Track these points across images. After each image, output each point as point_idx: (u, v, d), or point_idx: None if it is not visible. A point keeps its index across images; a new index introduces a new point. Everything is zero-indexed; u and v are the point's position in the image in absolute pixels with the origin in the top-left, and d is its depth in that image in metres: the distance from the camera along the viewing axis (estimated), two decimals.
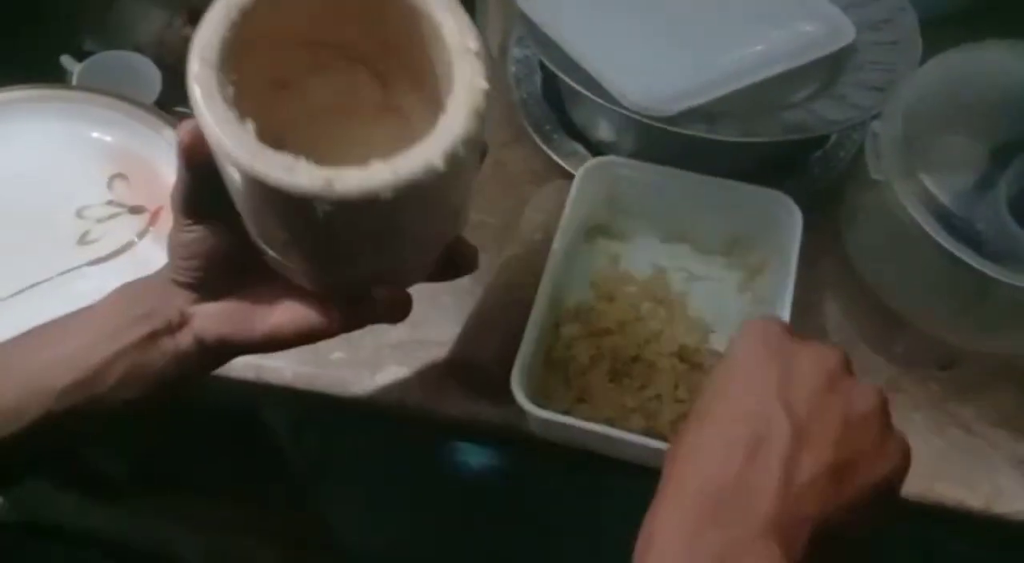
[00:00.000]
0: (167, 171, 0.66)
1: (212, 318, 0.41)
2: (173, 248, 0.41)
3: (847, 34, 0.60)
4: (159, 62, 0.84)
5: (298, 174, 0.31)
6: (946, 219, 0.46)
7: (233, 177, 0.33)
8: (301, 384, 0.59)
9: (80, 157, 0.66)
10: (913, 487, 0.55)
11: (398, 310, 0.42)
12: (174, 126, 0.66)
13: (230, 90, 0.33)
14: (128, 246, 0.63)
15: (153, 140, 0.67)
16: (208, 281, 0.41)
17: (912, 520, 0.58)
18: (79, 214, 0.64)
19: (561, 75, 0.56)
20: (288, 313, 0.41)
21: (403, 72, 0.40)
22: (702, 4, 0.61)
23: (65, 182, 0.65)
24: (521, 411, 0.51)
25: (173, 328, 0.41)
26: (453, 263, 0.43)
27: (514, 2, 0.60)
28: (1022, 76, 0.51)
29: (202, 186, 0.37)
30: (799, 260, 0.54)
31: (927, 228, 0.46)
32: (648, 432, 0.54)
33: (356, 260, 0.39)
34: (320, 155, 0.32)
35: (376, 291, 0.41)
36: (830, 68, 0.60)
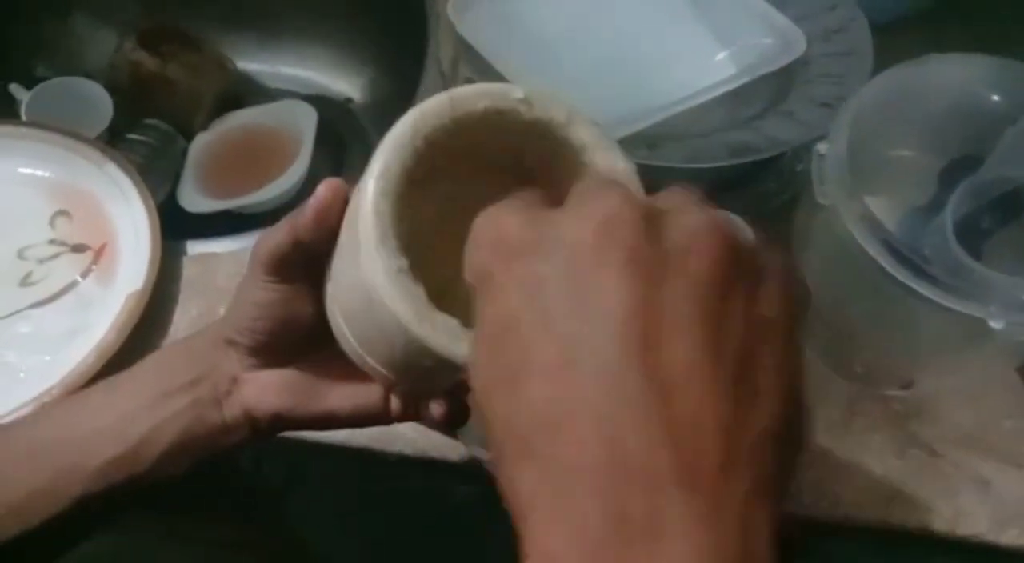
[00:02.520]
0: (110, 206, 0.65)
1: (269, 390, 0.37)
2: (243, 306, 0.37)
3: (798, 47, 0.58)
4: (111, 86, 0.83)
5: (461, 344, 0.29)
6: (892, 244, 0.44)
7: (379, 317, 0.31)
8: None
9: (22, 195, 0.65)
10: (875, 510, 0.54)
11: (459, 419, 0.37)
12: (116, 161, 0.65)
13: (402, 230, 0.30)
14: (71, 286, 0.62)
15: (95, 175, 0.65)
16: (271, 347, 0.37)
17: (873, 543, 0.57)
18: (20, 254, 0.63)
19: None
20: (349, 396, 0.38)
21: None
22: (644, 26, 0.59)
23: (6, 221, 0.64)
24: None
25: (220, 396, 0.38)
26: None
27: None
28: (971, 89, 0.49)
29: (307, 248, 0.34)
30: None
31: (872, 253, 0.45)
32: None
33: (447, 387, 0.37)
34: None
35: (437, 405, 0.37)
36: (780, 82, 0.58)
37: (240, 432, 0.38)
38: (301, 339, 0.37)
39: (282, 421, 0.38)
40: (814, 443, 0.56)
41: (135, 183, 0.64)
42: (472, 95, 0.32)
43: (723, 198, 0.57)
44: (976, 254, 0.49)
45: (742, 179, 0.62)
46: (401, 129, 0.31)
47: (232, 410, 0.38)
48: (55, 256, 0.63)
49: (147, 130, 0.81)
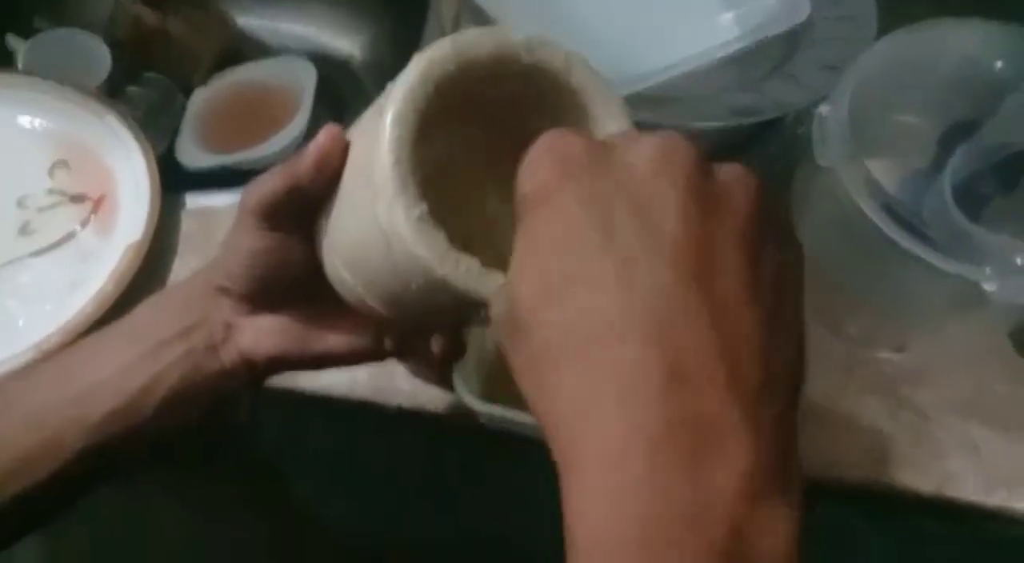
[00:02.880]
0: (109, 158, 0.64)
1: (265, 334, 0.38)
2: (234, 253, 0.37)
3: (802, 10, 0.58)
4: (110, 40, 0.82)
5: (485, 281, 0.30)
6: (892, 206, 0.44)
7: (397, 261, 0.31)
8: None
9: (21, 145, 0.65)
10: (866, 471, 0.55)
11: (457, 353, 0.39)
12: (117, 111, 0.65)
13: (417, 177, 0.31)
14: (70, 236, 0.62)
15: (95, 126, 0.65)
16: (262, 293, 0.37)
17: (862, 506, 0.58)
18: (20, 203, 0.63)
19: None
20: (343, 337, 0.38)
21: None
22: None
23: (5, 171, 0.64)
24: None
25: (216, 343, 0.38)
26: None
27: None
28: (974, 55, 0.49)
29: (303, 195, 0.34)
30: None
31: (871, 216, 0.45)
32: None
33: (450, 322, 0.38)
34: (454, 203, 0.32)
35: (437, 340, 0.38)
36: (785, 46, 0.58)
37: (239, 377, 0.38)
38: (291, 284, 0.37)
39: (279, 363, 0.38)
40: (808, 402, 0.57)
41: (135, 135, 0.64)
42: (475, 41, 0.32)
43: (728, 160, 0.57)
44: (975, 219, 0.49)
45: (745, 143, 0.62)
46: (412, 75, 0.31)
47: (229, 355, 0.38)
48: (54, 206, 0.63)
49: (147, 83, 0.81)
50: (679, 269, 0.23)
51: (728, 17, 0.58)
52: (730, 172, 0.25)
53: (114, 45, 0.80)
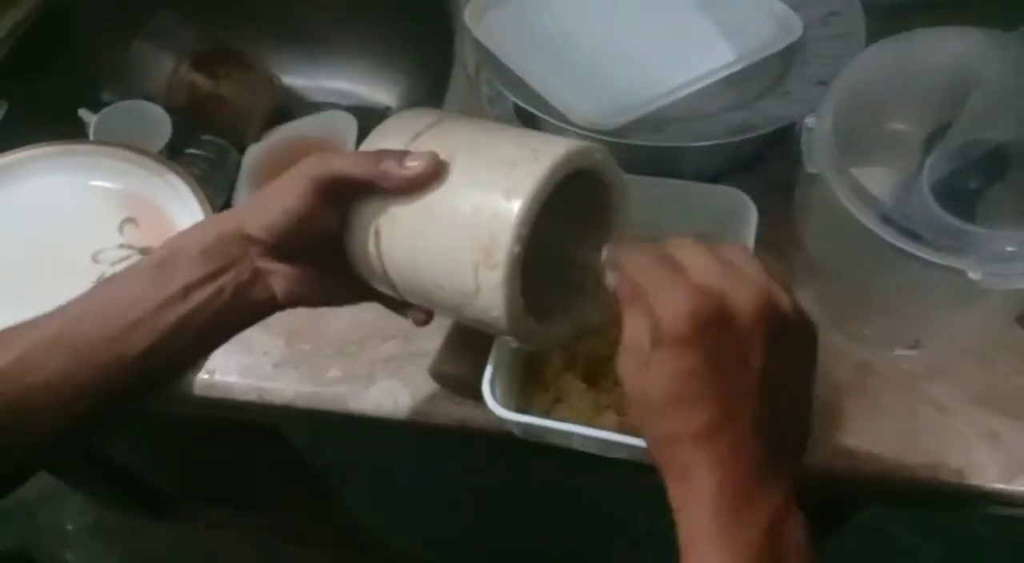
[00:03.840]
0: (173, 213, 0.71)
1: (287, 279, 0.45)
2: (272, 209, 0.43)
3: (795, 31, 0.62)
4: (169, 107, 0.90)
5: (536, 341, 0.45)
6: (879, 207, 0.47)
7: (472, 307, 0.42)
8: (301, 403, 0.64)
9: (93, 205, 0.72)
10: (884, 463, 0.57)
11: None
12: (177, 171, 0.72)
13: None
14: None
15: (159, 185, 0.72)
16: (289, 247, 0.44)
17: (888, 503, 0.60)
18: (95, 258, 0.70)
19: (513, 97, 0.59)
20: (345, 287, 0.47)
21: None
22: (650, 17, 0.63)
23: (81, 230, 0.71)
24: None
25: (244, 284, 0.44)
26: None
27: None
28: (951, 62, 0.52)
29: (370, 189, 0.42)
30: (767, 250, 0.56)
31: (860, 217, 0.48)
32: (622, 428, 0.56)
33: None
34: None
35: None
36: (779, 65, 0.61)
37: (261, 313, 0.46)
38: (312, 244, 0.44)
39: (295, 302, 0.46)
40: (830, 403, 0.59)
41: (194, 191, 0.71)
42: (578, 151, 0.42)
43: (739, 177, 0.61)
44: (970, 212, 0.52)
45: (755, 159, 0.66)
46: (540, 176, 0.40)
47: (257, 295, 0.44)
48: (125, 258, 0.69)
49: (204, 145, 0.88)
50: (761, 397, 0.37)
51: (725, 41, 0.62)
52: (795, 312, 0.39)
53: (173, 111, 0.88)
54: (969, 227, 0.46)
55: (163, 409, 0.64)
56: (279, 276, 0.45)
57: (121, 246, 0.70)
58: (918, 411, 0.59)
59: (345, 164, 0.42)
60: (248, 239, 0.44)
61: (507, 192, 0.40)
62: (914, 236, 0.47)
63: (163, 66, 0.94)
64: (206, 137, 0.89)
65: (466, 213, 0.41)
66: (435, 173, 0.42)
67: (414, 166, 0.41)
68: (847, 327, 0.61)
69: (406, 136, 0.45)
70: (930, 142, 0.51)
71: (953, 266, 0.46)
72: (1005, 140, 0.50)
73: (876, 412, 0.59)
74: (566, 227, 0.47)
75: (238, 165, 0.92)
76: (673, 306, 0.37)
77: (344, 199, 0.44)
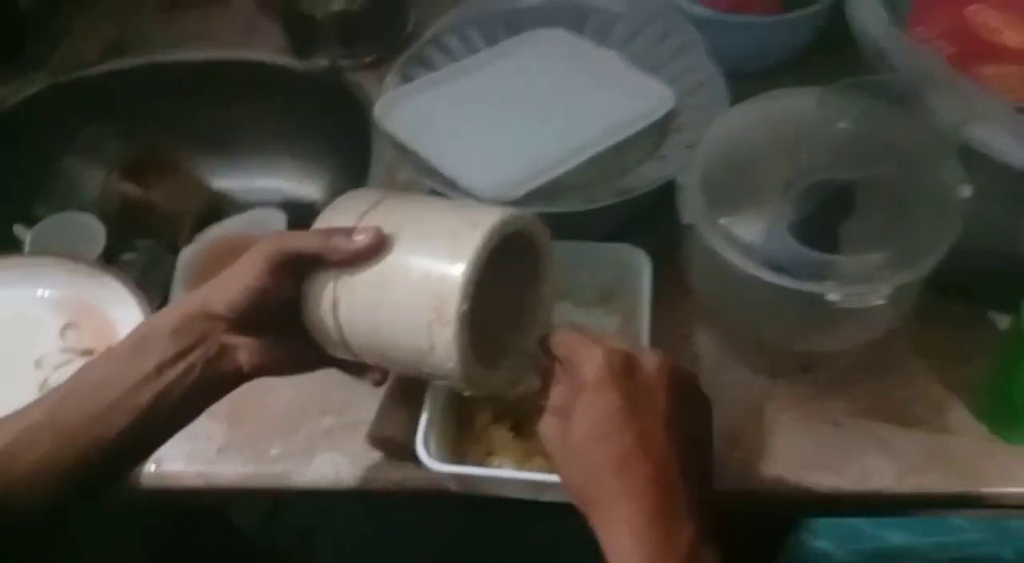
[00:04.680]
0: (112, 315, 0.75)
1: (252, 351, 0.49)
2: (236, 288, 0.48)
3: (668, 102, 0.69)
4: (102, 216, 0.94)
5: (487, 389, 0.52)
6: (744, 248, 0.54)
7: (428, 364, 0.47)
8: (247, 484, 0.66)
9: (34, 314, 0.75)
10: (789, 479, 0.62)
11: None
12: (115, 275, 0.76)
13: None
14: None
15: (97, 289, 0.76)
16: (252, 320, 0.48)
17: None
18: (37, 364, 0.72)
19: (425, 181, 0.65)
20: (304, 354, 0.52)
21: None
22: (542, 96, 0.71)
23: (22, 338, 0.74)
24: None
25: (212, 359, 0.48)
26: None
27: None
28: (798, 117, 0.60)
29: (321, 262, 0.47)
30: (665, 300, 0.63)
31: (730, 259, 0.55)
32: (551, 470, 0.61)
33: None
34: None
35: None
36: (656, 133, 0.69)
37: (233, 384, 0.50)
38: (272, 315, 0.49)
39: (260, 373, 0.50)
40: (736, 431, 0.64)
41: (132, 291, 0.75)
42: (512, 218, 0.49)
43: (638, 232, 0.67)
44: (833, 243, 0.59)
45: (649, 216, 0.73)
46: (480, 242, 0.46)
47: (225, 368, 0.48)
48: (67, 362, 0.72)
49: (138, 249, 0.92)
50: (668, 433, 0.43)
51: (610, 116, 0.70)
52: (693, 377, 0.48)
53: (106, 219, 0.92)
54: (824, 256, 0.53)
55: (115, 499, 0.66)
56: (244, 349, 0.49)
57: (63, 350, 0.73)
58: (816, 428, 0.64)
59: (298, 241, 0.48)
60: (213, 317, 0.48)
61: (452, 258, 0.46)
62: (778, 269, 0.54)
63: (94, 178, 0.99)
64: (140, 242, 0.93)
65: (417, 279, 0.47)
66: (381, 246, 0.47)
67: (360, 240, 0.47)
68: (743, 359, 0.67)
69: (354, 213, 0.50)
70: (789, 187, 0.59)
71: (814, 292, 0.52)
72: (849, 178, 0.58)
73: (779, 434, 0.64)
74: (507, 278, 0.52)
75: (173, 266, 0.96)
76: (593, 359, 0.45)
77: (300, 273, 0.49)
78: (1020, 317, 0.55)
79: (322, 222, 0.51)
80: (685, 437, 0.44)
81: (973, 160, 0.55)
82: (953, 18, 0.59)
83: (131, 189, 0.95)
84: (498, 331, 0.54)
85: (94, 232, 0.91)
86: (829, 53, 0.77)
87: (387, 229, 0.48)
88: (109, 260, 0.89)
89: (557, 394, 0.47)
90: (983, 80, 0.57)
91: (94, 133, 0.97)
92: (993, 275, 0.58)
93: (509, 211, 0.49)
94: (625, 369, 0.45)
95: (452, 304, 0.45)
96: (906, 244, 0.54)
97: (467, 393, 0.54)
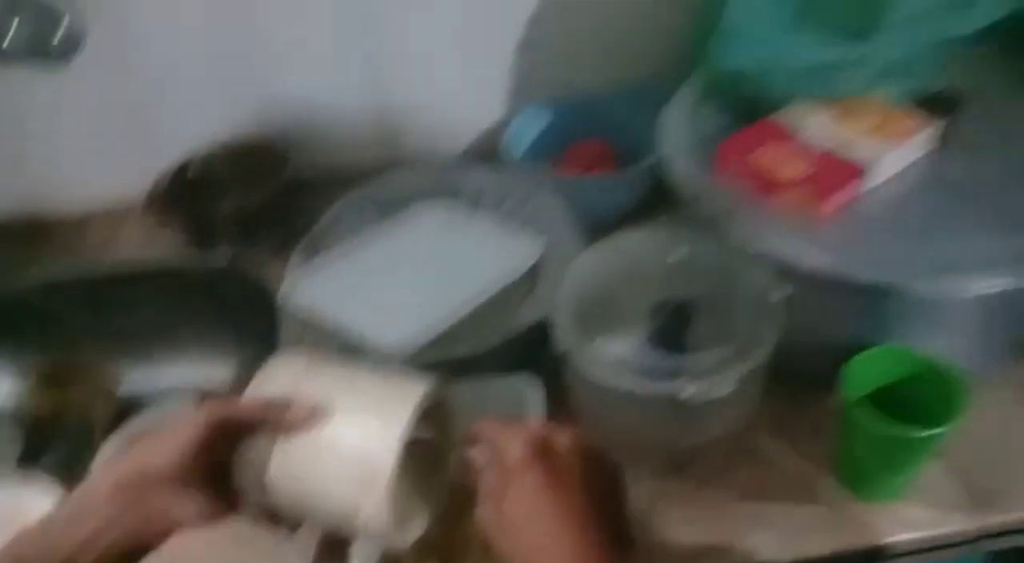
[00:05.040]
0: (35, 514, 0.77)
1: (187, 506, 0.52)
2: (176, 451, 0.51)
3: (535, 253, 0.82)
4: (18, 421, 0.97)
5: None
6: (613, 365, 0.64)
7: (355, 527, 0.54)
8: None
9: None
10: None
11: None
12: (34, 476, 0.79)
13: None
14: None
15: (17, 492, 0.78)
16: (188, 477, 0.52)
17: None
18: None
19: (333, 346, 0.74)
20: (230, 504, 0.55)
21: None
22: (432, 257, 0.83)
23: None
24: None
25: (153, 517, 0.51)
26: None
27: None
28: (645, 251, 0.73)
29: (255, 427, 0.53)
30: (554, 417, 0.71)
31: (600, 375, 0.65)
32: None
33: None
34: None
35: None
36: (531, 278, 0.81)
37: (165, 537, 0.53)
38: (209, 476, 0.53)
39: (200, 523, 0.53)
40: (637, 527, 0.72)
41: (53, 491, 0.78)
42: (433, 391, 0.55)
43: (534, 365, 0.77)
44: (683, 347, 0.70)
45: (542, 351, 0.82)
46: (404, 420, 0.53)
47: (163, 524, 0.52)
48: None
49: (56, 451, 0.95)
50: (586, 499, 0.51)
51: (491, 266, 0.81)
52: (602, 451, 0.55)
53: (22, 425, 0.95)
54: (674, 358, 0.64)
55: None
56: (180, 505, 0.52)
57: None
58: (703, 517, 0.73)
59: (239, 410, 0.54)
60: (149, 478, 0.52)
61: (382, 429, 0.52)
62: (641, 375, 0.64)
63: (7, 382, 1.02)
64: (57, 443, 0.96)
65: (349, 447, 0.53)
66: (317, 420, 0.53)
67: (298, 413, 0.53)
68: (628, 465, 0.75)
69: (286, 380, 0.56)
70: (642, 308, 0.70)
71: (671, 390, 0.63)
72: (687, 296, 0.70)
73: (670, 528, 0.72)
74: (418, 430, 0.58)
75: (91, 464, 0.98)
76: (515, 442, 0.52)
77: (235, 437, 0.54)
78: (841, 389, 0.66)
79: (256, 387, 0.56)
80: (603, 499, 0.52)
81: (781, 268, 0.68)
82: (744, 163, 0.74)
83: (44, 395, 0.99)
84: (413, 478, 0.58)
85: (11, 437, 0.94)
86: (658, 201, 0.92)
87: (322, 398, 0.54)
88: (27, 463, 0.92)
89: (489, 480, 0.53)
90: (773, 205, 0.72)
91: (2, 348, 1.01)
92: (816, 357, 0.70)
93: (431, 385, 0.56)
94: (544, 449, 0.52)
95: (383, 472, 0.51)
96: (740, 342, 0.65)
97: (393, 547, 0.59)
